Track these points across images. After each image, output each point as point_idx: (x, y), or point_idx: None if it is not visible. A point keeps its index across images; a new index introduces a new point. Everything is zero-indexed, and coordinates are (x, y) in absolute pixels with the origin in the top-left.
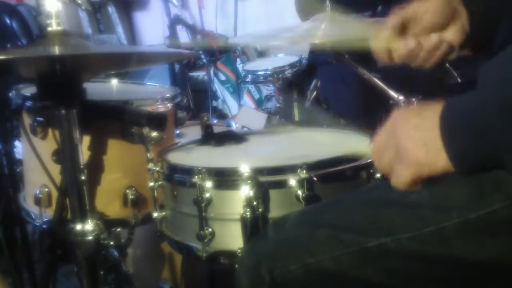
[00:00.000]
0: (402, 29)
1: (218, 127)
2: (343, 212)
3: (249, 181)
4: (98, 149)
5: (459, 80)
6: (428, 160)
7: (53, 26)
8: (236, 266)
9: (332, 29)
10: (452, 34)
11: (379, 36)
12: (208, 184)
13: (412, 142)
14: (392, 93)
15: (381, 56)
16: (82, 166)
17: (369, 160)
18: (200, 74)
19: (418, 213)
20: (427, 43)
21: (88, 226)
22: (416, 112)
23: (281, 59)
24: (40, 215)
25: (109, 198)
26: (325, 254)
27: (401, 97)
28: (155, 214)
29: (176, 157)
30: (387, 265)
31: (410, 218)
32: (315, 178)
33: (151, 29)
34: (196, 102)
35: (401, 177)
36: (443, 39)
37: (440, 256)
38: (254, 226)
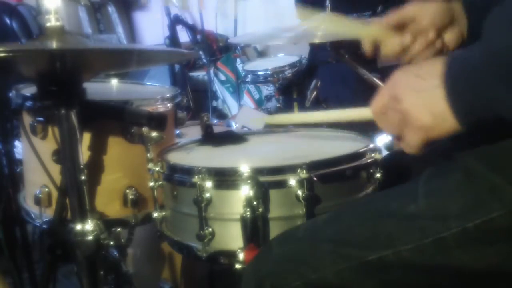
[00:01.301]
0: (399, 27)
1: (218, 127)
2: (343, 226)
3: (249, 181)
4: (98, 149)
5: None
6: (435, 124)
7: (52, 21)
8: (240, 282)
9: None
10: (448, 38)
11: (372, 27)
12: (208, 184)
13: (416, 106)
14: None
15: (368, 47)
16: (82, 166)
17: (369, 160)
18: (200, 74)
19: (417, 224)
20: (422, 40)
21: (88, 226)
22: (415, 73)
23: (281, 59)
24: (40, 215)
25: (109, 198)
26: (327, 269)
27: None
28: (155, 214)
29: (176, 157)
30: (388, 277)
31: (409, 230)
32: (315, 178)
33: (151, 29)
34: (196, 102)
35: (411, 143)
36: (439, 38)
37: (440, 266)
38: (254, 226)
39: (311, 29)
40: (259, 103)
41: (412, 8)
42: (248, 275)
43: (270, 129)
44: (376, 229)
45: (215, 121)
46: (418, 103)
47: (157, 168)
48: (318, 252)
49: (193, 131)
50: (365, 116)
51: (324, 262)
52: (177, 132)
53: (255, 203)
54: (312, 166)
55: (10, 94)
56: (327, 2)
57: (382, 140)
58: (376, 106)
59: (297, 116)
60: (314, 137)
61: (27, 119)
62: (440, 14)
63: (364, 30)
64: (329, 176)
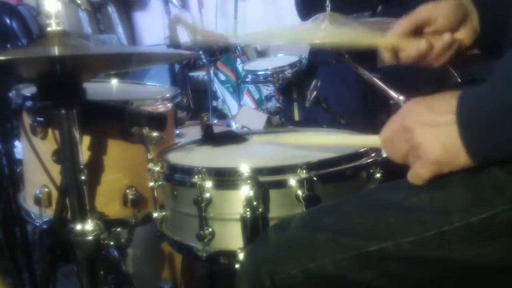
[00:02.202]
0: (414, 32)
1: (218, 127)
2: (344, 216)
3: (249, 181)
4: (98, 149)
5: (459, 80)
6: (448, 159)
7: (53, 26)
8: (237, 270)
9: (332, 29)
10: (463, 35)
11: (389, 36)
12: (208, 184)
13: (429, 140)
14: (392, 93)
15: (387, 55)
16: (82, 166)
17: (369, 160)
18: (200, 74)
19: (419, 217)
20: (439, 44)
21: (88, 226)
22: (429, 107)
23: (281, 59)
24: (40, 215)
25: (109, 198)
26: (326, 259)
27: (401, 97)
28: (155, 214)
29: (176, 157)
30: (388, 269)
31: (411, 222)
32: (315, 178)
33: (151, 29)
34: (196, 102)
35: (421, 174)
36: (455, 38)
37: (441, 260)
38: (254, 226)
39: (311, 29)
40: (259, 103)
41: (425, 10)
42: (245, 263)
43: (270, 129)
44: (377, 220)
45: (215, 121)
46: (431, 137)
47: (157, 168)
48: (317, 241)
49: (193, 131)
50: (372, 143)
51: (323, 251)
52: (177, 132)
53: (255, 203)
54: (312, 166)
55: (10, 94)
56: (327, 2)
57: None
58: (386, 134)
59: (300, 139)
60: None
61: (27, 119)
62: (453, 12)
63: (380, 40)
64: (329, 176)
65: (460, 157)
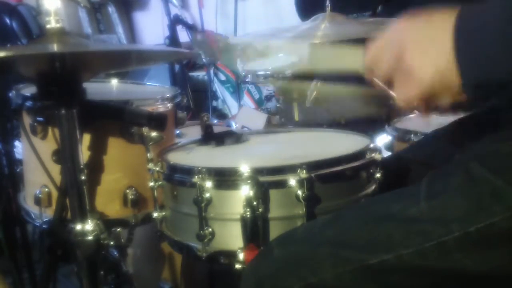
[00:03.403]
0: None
1: (218, 127)
2: (344, 229)
3: (249, 181)
4: (98, 149)
5: None
6: (437, 78)
7: (52, 23)
8: (239, 285)
9: (332, 30)
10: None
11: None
12: (208, 184)
13: (422, 62)
14: (392, 93)
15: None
16: (82, 166)
17: (369, 160)
18: (200, 74)
19: (418, 227)
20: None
21: (88, 226)
22: (426, 23)
23: (281, 59)
24: (40, 215)
25: (109, 198)
26: (327, 272)
27: None
28: (155, 214)
29: (176, 157)
30: (388, 281)
31: (410, 233)
32: (315, 178)
33: (151, 29)
34: (196, 102)
35: (408, 96)
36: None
37: (441, 270)
38: (254, 226)
39: (311, 29)
40: (259, 103)
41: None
42: (248, 276)
43: (270, 129)
44: (377, 232)
45: (215, 121)
46: (424, 57)
47: (157, 168)
48: (318, 255)
49: (193, 131)
50: (355, 62)
51: (324, 265)
52: (177, 132)
53: (255, 203)
54: (312, 166)
55: (10, 94)
56: (327, 2)
57: (382, 140)
58: (374, 49)
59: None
60: (314, 137)
61: (27, 119)
62: None
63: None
64: (329, 176)
65: (448, 77)
